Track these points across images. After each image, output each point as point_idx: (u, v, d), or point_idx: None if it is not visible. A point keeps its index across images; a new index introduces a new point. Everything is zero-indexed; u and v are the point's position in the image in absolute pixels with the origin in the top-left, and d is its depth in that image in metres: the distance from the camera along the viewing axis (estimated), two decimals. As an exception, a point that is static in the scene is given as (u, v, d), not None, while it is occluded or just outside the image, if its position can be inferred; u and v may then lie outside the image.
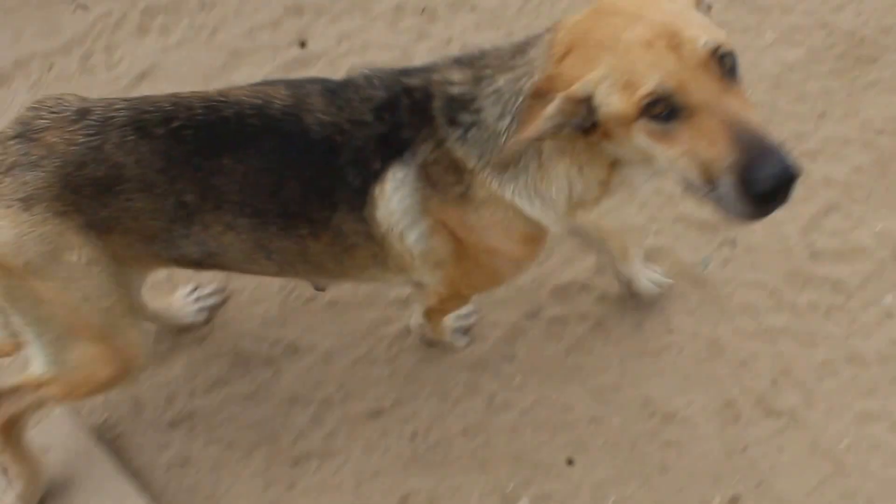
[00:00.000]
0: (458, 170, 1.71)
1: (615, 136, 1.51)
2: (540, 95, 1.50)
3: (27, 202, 1.68)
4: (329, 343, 2.59)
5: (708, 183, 1.42)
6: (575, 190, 1.70)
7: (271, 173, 1.75)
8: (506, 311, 2.58)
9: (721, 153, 1.37)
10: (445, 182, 1.73)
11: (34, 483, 2.17)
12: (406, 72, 1.78)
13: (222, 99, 1.75)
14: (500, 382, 2.50)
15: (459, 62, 1.73)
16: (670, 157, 1.45)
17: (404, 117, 1.71)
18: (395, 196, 1.74)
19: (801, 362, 2.53)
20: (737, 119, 1.37)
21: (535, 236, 1.83)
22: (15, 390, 1.95)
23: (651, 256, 2.63)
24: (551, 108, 1.47)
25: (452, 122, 1.68)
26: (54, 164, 1.69)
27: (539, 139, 1.55)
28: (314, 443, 2.46)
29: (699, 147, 1.39)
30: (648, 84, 1.39)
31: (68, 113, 1.74)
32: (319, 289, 2.48)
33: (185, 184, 1.74)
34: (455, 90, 1.68)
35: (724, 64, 1.41)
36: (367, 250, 1.86)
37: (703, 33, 1.40)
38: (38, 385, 1.92)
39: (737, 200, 1.38)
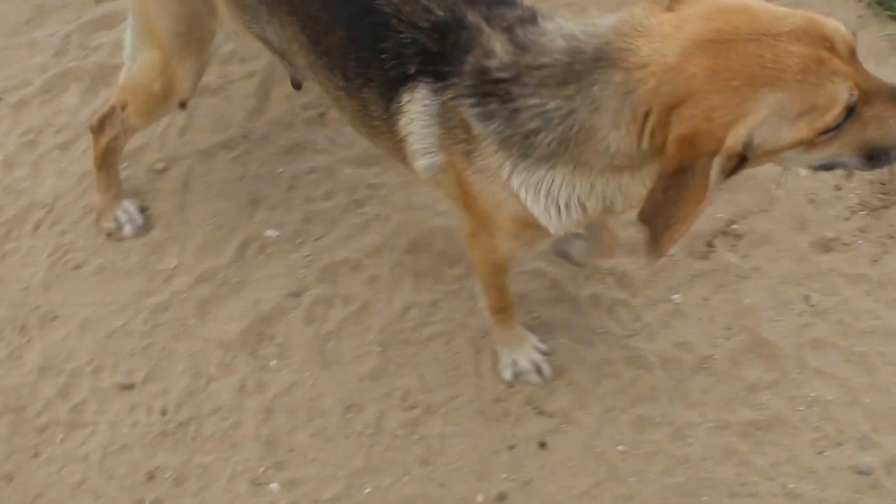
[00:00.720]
0: (467, 128, 1.63)
1: (760, 160, 1.40)
2: (680, 164, 1.30)
3: None
4: (88, 312, 2.49)
5: (871, 159, 1.41)
6: (615, 204, 1.60)
7: (330, 12, 1.77)
8: (269, 289, 2.46)
9: (892, 129, 1.35)
10: (457, 133, 1.66)
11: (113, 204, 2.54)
12: (472, 2, 1.67)
13: None
14: (255, 364, 2.39)
15: (511, 33, 1.57)
16: (825, 155, 1.40)
17: (448, 50, 1.64)
18: (417, 119, 1.71)
19: (577, 361, 2.40)
20: (892, 92, 1.33)
21: (528, 221, 1.70)
22: (109, 115, 2.30)
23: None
24: (716, 176, 1.28)
25: (476, 96, 1.58)
26: None
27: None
28: (61, 413, 2.36)
29: (867, 132, 1.36)
30: (840, 101, 1.28)
31: None
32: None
33: None
34: (492, 65, 1.56)
35: None
36: (387, 141, 1.84)
37: (826, 20, 1.30)
38: (122, 104, 2.26)
39: None
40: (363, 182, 2.63)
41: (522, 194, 1.62)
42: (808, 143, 1.33)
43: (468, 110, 1.59)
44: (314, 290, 2.48)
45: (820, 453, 2.24)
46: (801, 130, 1.29)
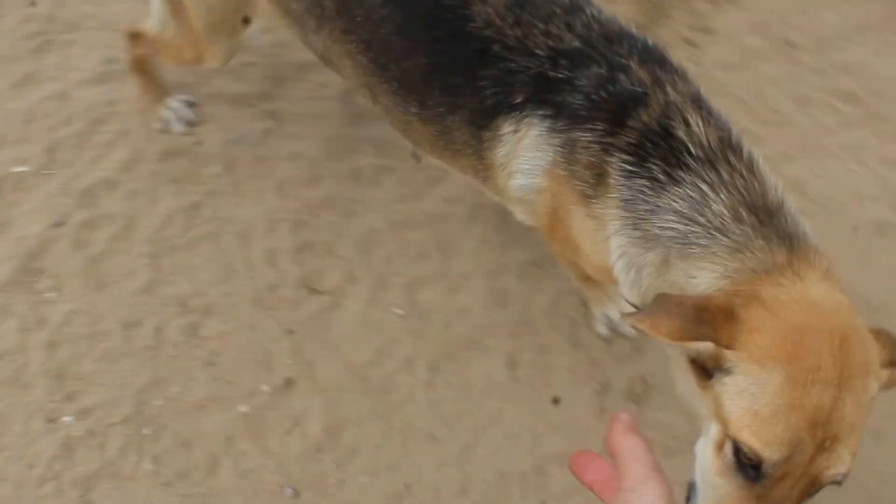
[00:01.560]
0: (599, 175, 1.51)
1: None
2: (710, 312, 1.24)
3: None
4: None
5: None
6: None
7: (408, 38, 1.64)
8: (31, 223, 2.42)
9: None
10: (581, 173, 1.54)
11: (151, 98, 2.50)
12: (623, 45, 1.55)
13: None
14: (32, 300, 2.39)
15: (710, 120, 1.47)
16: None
17: (588, 89, 1.51)
18: (527, 149, 1.61)
19: (345, 234, 2.39)
20: None
21: (608, 272, 1.62)
22: (140, 34, 2.27)
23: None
24: (697, 346, 1.23)
25: (637, 154, 1.45)
26: None
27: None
28: None
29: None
30: (766, 452, 1.17)
31: None
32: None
33: None
34: (683, 135, 1.43)
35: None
36: (470, 161, 1.76)
37: (847, 466, 1.19)
38: (151, 38, 2.22)
39: None
40: (99, 101, 2.53)
41: (615, 257, 1.53)
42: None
43: (617, 162, 1.47)
44: (76, 216, 2.44)
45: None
46: (734, 425, 1.22)
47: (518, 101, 1.57)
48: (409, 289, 2.36)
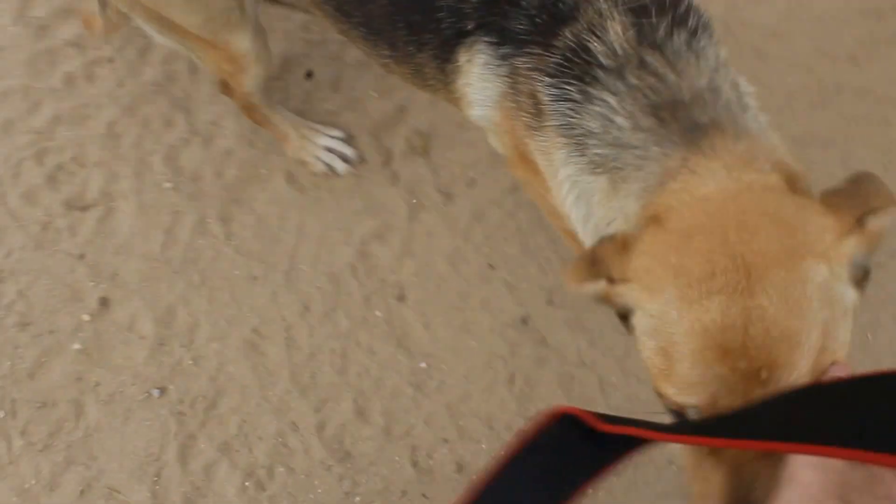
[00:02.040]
0: (536, 105, 1.37)
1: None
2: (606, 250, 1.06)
3: None
4: None
5: None
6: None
7: None
8: None
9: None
10: (523, 102, 1.41)
11: (293, 142, 2.28)
12: None
13: None
14: None
15: (638, 21, 1.27)
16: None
17: (531, 11, 1.35)
18: (478, 78, 1.47)
19: (87, 141, 2.30)
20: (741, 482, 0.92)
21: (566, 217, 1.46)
22: (225, 84, 2.09)
23: None
24: (592, 288, 1.06)
25: (558, 75, 1.30)
26: None
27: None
28: None
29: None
30: (682, 398, 0.95)
31: None
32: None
33: None
34: (596, 47, 1.27)
35: None
36: (445, 96, 1.64)
37: (806, 378, 0.90)
38: (218, 78, 2.08)
39: None
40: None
41: (565, 190, 1.37)
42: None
43: (543, 87, 1.33)
44: None
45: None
46: (654, 369, 1.01)
47: (469, 27, 1.45)
48: (169, 159, 2.29)
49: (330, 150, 2.26)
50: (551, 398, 2.12)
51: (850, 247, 0.94)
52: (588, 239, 1.37)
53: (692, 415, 0.93)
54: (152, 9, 1.76)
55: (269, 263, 2.22)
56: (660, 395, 0.99)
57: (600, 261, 1.03)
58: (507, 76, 1.43)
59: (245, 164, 2.29)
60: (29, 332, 2.23)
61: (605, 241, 1.06)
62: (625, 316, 1.06)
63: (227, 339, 2.18)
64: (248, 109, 2.17)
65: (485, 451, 2.10)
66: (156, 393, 2.16)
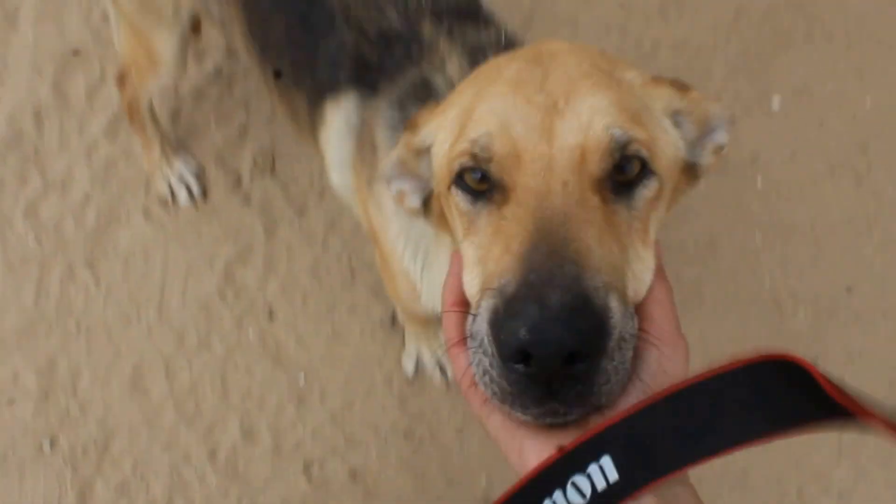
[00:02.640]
0: (375, 153, 1.36)
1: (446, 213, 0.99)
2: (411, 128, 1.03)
3: None
4: None
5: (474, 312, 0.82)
6: None
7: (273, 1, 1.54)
8: None
9: (503, 266, 0.77)
10: (367, 158, 1.38)
11: (154, 155, 2.29)
12: (439, 17, 1.38)
13: None
14: None
15: (476, 56, 1.30)
16: (468, 258, 0.88)
17: (388, 63, 1.37)
18: (336, 137, 1.46)
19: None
20: (552, 227, 0.77)
21: (413, 293, 1.40)
22: (126, 72, 2.12)
23: None
24: (392, 154, 1.03)
25: (402, 110, 1.31)
26: None
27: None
28: None
29: (491, 251, 0.82)
30: (471, 133, 0.86)
31: None
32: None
33: None
34: (437, 80, 1.30)
35: (623, 171, 0.83)
36: (314, 145, 1.58)
37: (614, 118, 0.82)
38: (123, 66, 2.10)
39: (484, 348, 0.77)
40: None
41: (400, 247, 1.32)
42: (459, 209, 0.91)
43: (381, 130, 1.32)
44: None
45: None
46: (443, 153, 0.95)
47: (341, 79, 1.43)
48: (29, 215, 2.32)
49: (181, 178, 2.26)
50: (431, 393, 2.16)
51: (665, 93, 0.91)
52: (428, 298, 1.35)
53: (478, 154, 0.84)
54: None
55: (139, 301, 2.24)
56: (449, 170, 0.89)
57: (414, 124, 1.01)
58: (358, 131, 1.41)
59: (103, 207, 2.31)
60: None
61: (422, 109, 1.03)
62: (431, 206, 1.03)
63: (110, 382, 2.20)
64: (132, 109, 2.18)
65: (375, 456, 2.13)
66: (47, 445, 2.18)
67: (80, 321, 2.25)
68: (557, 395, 0.72)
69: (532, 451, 0.74)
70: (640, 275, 0.82)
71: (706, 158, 0.95)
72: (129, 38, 1.98)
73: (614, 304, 0.74)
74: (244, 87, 2.38)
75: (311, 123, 1.52)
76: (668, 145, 0.89)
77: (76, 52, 2.42)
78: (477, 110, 0.86)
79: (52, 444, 2.18)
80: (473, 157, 0.84)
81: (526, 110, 0.82)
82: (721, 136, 0.95)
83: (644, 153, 0.83)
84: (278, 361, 2.19)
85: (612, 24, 2.43)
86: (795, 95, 2.41)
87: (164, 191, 2.26)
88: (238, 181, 2.30)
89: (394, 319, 2.18)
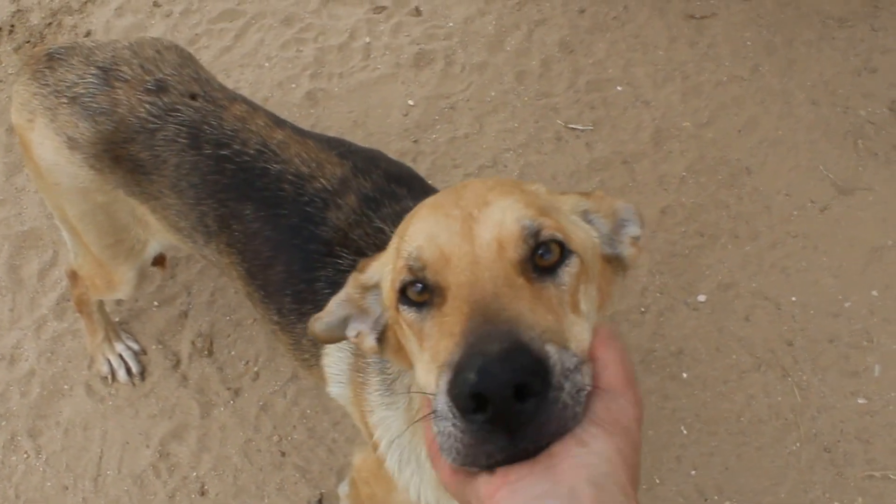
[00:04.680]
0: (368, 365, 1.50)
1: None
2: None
3: (72, 143, 1.77)
4: None
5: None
6: None
7: (272, 246, 1.66)
8: None
9: (449, 347, 0.87)
10: (363, 368, 1.50)
11: (97, 339, 2.47)
12: None
13: (276, 151, 1.70)
14: None
15: None
16: (424, 362, 0.99)
17: None
18: (335, 350, 1.58)
19: None
20: (485, 305, 0.87)
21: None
22: (75, 275, 2.27)
23: None
24: (339, 294, 1.15)
25: None
26: (108, 125, 1.74)
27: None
28: None
29: (439, 344, 0.92)
30: (404, 252, 0.99)
31: (149, 81, 1.77)
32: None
33: (209, 209, 1.72)
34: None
35: (544, 256, 0.95)
36: (317, 372, 1.69)
37: (523, 212, 0.96)
38: (77, 268, 2.21)
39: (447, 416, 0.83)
40: None
41: (378, 434, 1.43)
42: (410, 325, 1.03)
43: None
44: None
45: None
46: (388, 278, 1.10)
47: None
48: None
49: (121, 357, 2.45)
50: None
51: (570, 198, 1.09)
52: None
53: (413, 266, 0.96)
54: (69, 216, 1.94)
55: (77, 472, 2.39)
56: (393, 288, 1.02)
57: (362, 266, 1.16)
58: (353, 346, 1.49)
59: (47, 380, 2.48)
60: None
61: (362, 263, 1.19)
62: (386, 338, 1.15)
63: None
64: (80, 302, 2.36)
65: None
66: None
67: (18, 489, 2.39)
68: (518, 435, 0.78)
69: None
70: (579, 335, 0.91)
71: (626, 250, 1.12)
72: (88, 263, 2.12)
73: (551, 347, 0.82)
74: (187, 272, 2.59)
75: (316, 349, 1.66)
76: (581, 231, 1.04)
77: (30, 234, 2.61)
78: (407, 234, 1.01)
79: None
80: (410, 269, 0.96)
81: (447, 222, 0.96)
82: (633, 229, 1.13)
83: (558, 236, 0.96)
84: (208, 540, 2.35)
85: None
86: (721, 290, 2.57)
87: (105, 369, 2.45)
88: (177, 362, 2.50)
89: (320, 502, 2.36)
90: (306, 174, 1.68)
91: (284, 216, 1.66)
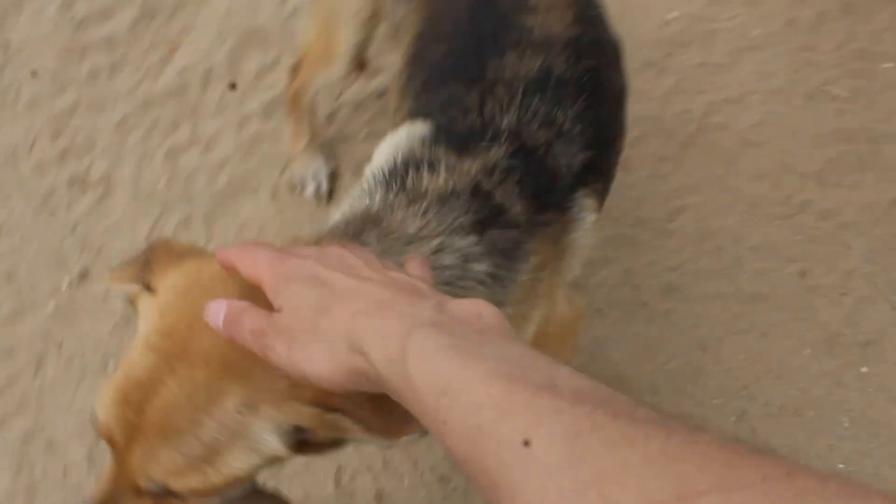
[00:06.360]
0: None
1: None
2: None
3: None
4: None
5: None
6: None
7: (453, 21, 1.58)
8: None
9: None
10: None
11: (300, 145, 2.44)
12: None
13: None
14: None
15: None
16: None
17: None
18: (385, 143, 1.60)
19: (101, 128, 2.53)
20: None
21: None
22: (301, 62, 2.25)
23: None
24: (127, 288, 1.14)
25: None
26: None
27: None
28: None
29: None
30: (98, 402, 1.02)
31: None
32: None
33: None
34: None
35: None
36: None
37: (156, 471, 0.97)
38: (301, 58, 2.23)
39: None
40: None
41: None
42: None
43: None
44: None
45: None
46: None
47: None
48: (168, 159, 2.51)
49: (316, 174, 2.46)
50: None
51: (293, 409, 0.91)
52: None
53: (95, 427, 0.99)
54: None
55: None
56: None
57: (149, 267, 1.05)
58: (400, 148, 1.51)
59: (236, 175, 2.51)
60: (12, 285, 2.44)
61: (162, 246, 1.10)
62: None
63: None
64: (295, 98, 2.31)
65: (406, 486, 2.20)
66: (112, 365, 2.35)
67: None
68: None
69: None
70: None
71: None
72: (314, 29, 2.13)
73: None
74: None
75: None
76: (246, 460, 0.96)
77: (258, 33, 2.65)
78: (115, 374, 0.99)
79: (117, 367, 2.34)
80: (95, 426, 1.00)
81: (120, 423, 0.96)
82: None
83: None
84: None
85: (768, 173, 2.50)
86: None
87: (297, 179, 2.45)
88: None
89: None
90: (530, 4, 1.49)
91: (480, 21, 1.50)
